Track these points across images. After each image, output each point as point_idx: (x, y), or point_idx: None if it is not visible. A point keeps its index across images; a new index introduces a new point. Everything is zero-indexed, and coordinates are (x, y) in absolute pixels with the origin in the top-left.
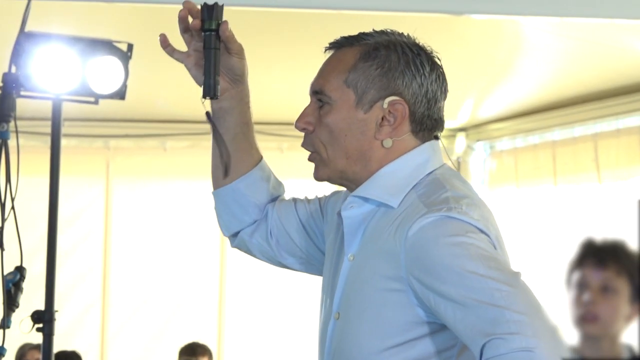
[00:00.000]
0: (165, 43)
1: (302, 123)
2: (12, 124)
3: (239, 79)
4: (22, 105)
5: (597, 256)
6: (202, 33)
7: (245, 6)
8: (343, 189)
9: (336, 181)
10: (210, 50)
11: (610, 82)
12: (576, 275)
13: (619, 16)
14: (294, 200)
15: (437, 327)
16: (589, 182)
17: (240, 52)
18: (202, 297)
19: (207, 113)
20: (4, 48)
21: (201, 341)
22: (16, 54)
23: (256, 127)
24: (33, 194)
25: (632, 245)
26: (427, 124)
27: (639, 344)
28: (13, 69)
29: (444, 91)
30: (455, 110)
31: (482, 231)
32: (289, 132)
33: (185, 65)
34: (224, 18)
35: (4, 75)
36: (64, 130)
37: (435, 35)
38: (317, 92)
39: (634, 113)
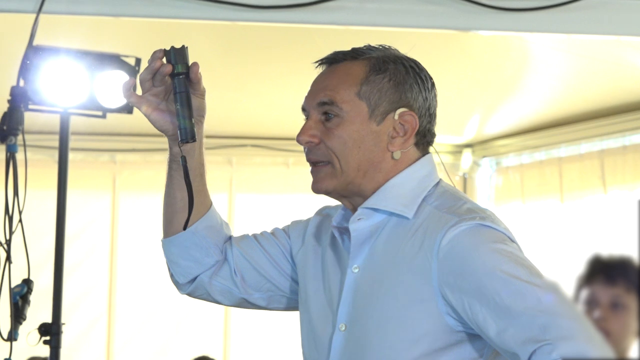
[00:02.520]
0: (128, 92)
1: (306, 136)
2: (20, 137)
3: (202, 119)
4: (30, 119)
5: (606, 273)
6: (172, 77)
7: (252, 22)
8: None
9: (339, 193)
10: (183, 93)
11: (617, 99)
12: (585, 292)
13: (625, 33)
14: (253, 235)
15: (465, 337)
16: (595, 199)
17: (204, 93)
18: (208, 311)
19: (183, 157)
20: (12, 62)
21: (207, 354)
22: (24, 68)
23: (263, 143)
24: (40, 207)
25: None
26: (428, 138)
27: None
28: (21, 83)
29: (436, 105)
30: (461, 126)
31: (513, 240)
32: (296, 147)
33: (144, 111)
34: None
35: (12, 89)
36: (70, 144)
37: (442, 52)
38: (326, 103)
39: None
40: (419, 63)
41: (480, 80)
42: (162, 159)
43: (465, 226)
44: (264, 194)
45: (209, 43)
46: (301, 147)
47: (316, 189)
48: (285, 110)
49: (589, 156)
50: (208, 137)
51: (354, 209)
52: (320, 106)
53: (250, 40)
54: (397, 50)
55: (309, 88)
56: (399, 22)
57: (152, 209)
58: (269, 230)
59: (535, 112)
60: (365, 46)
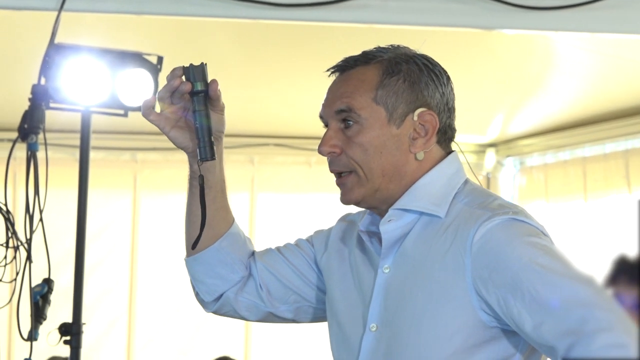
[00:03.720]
0: (147, 110)
1: (327, 147)
2: (41, 136)
3: (221, 135)
4: (51, 117)
5: (631, 274)
6: (191, 95)
7: (275, 20)
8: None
9: (368, 201)
10: (202, 111)
11: None
12: (610, 293)
13: None
14: (276, 248)
15: (499, 333)
16: (620, 199)
17: (223, 109)
18: None
19: (201, 176)
20: (33, 60)
21: (229, 355)
22: (46, 66)
23: (284, 142)
24: (61, 206)
25: None
26: (449, 134)
27: None
28: (42, 81)
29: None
30: (485, 126)
31: (546, 234)
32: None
33: (163, 129)
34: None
35: (34, 87)
36: (91, 142)
37: (466, 50)
38: (344, 110)
39: None
40: (432, 59)
41: (505, 80)
42: (183, 158)
43: (498, 220)
44: (285, 193)
45: (231, 41)
46: None
47: (345, 200)
48: (307, 109)
49: (614, 156)
50: (229, 135)
51: (382, 214)
52: (338, 114)
53: (273, 38)
54: (408, 49)
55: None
56: (422, 21)
57: (173, 207)
58: (292, 242)
59: (560, 112)
60: (375, 48)
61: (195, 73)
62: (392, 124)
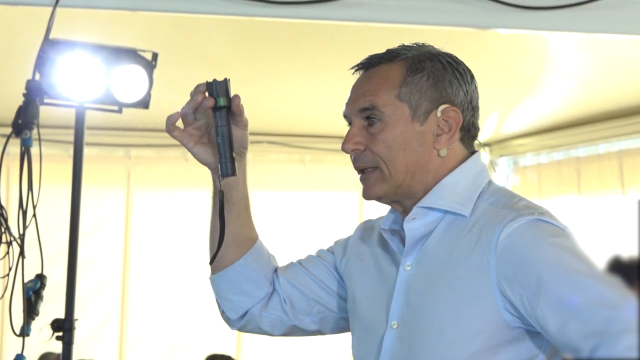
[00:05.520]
0: (171, 126)
1: (351, 144)
2: (35, 131)
3: (244, 151)
4: (45, 113)
5: (625, 275)
6: (214, 111)
7: (270, 17)
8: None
9: (390, 197)
10: (225, 127)
11: (636, 99)
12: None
13: None
14: (298, 262)
15: (523, 334)
16: (613, 200)
17: (247, 125)
18: None
19: (221, 192)
20: (28, 55)
21: (221, 352)
22: (40, 62)
23: (278, 139)
24: (54, 202)
25: None
26: (472, 132)
27: None
28: (37, 77)
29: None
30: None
31: (571, 236)
32: (312, 144)
33: (186, 145)
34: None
35: (28, 82)
36: (85, 138)
37: (460, 49)
38: (368, 108)
39: None
40: (456, 57)
41: (499, 79)
42: (177, 155)
43: (524, 221)
44: (279, 191)
45: (225, 38)
46: (317, 145)
47: (367, 195)
48: (301, 107)
49: (608, 156)
50: None
51: (405, 212)
52: (362, 112)
53: (268, 36)
54: (433, 47)
55: (325, 85)
56: (418, 20)
57: (167, 204)
58: (314, 253)
59: (554, 112)
60: (399, 46)
61: (218, 88)
62: (415, 121)
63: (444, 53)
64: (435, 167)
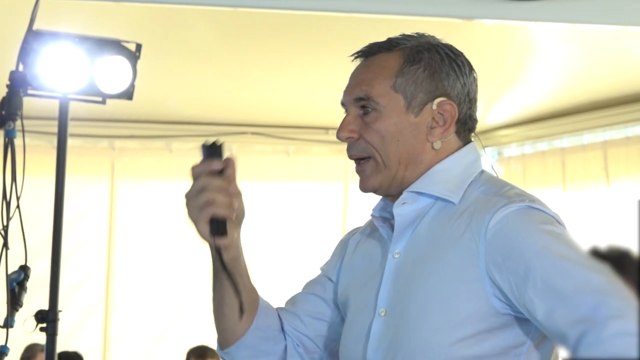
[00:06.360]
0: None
1: (345, 132)
2: (18, 122)
3: (241, 220)
4: (29, 104)
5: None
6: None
7: (253, 8)
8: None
9: (385, 189)
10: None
11: (620, 90)
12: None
13: (630, 23)
14: (292, 299)
15: (511, 320)
16: (598, 190)
17: (239, 194)
18: (205, 300)
19: (224, 264)
20: (12, 46)
21: (206, 344)
22: (24, 53)
23: (263, 130)
24: (38, 194)
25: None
26: (469, 124)
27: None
28: (20, 68)
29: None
30: None
31: (562, 224)
32: (296, 135)
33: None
34: None
35: (12, 73)
36: (69, 130)
37: (445, 40)
38: (362, 98)
39: None
40: (455, 49)
41: (483, 70)
42: (161, 146)
43: (514, 207)
44: (264, 182)
45: (209, 29)
46: (302, 136)
47: (363, 187)
48: (285, 98)
49: (592, 147)
50: (207, 124)
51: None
52: (357, 101)
53: (251, 27)
54: (434, 37)
55: (310, 76)
56: (402, 10)
57: (151, 195)
58: (303, 288)
59: (538, 103)
60: (400, 35)
61: (212, 151)
62: (410, 112)
63: (443, 44)
64: (429, 159)
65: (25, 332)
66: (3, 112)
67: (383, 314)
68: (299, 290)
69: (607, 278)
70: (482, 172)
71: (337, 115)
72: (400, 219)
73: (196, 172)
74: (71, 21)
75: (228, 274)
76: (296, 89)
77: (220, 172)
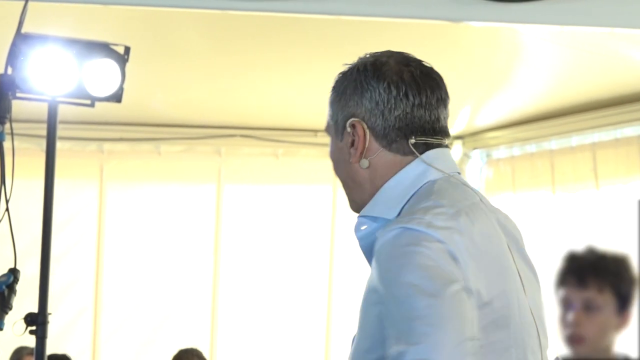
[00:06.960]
0: None
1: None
2: (7, 125)
3: None
4: (18, 107)
5: (578, 275)
6: None
7: (242, 11)
8: None
9: (360, 211)
10: None
11: (609, 92)
12: (560, 293)
13: (618, 25)
14: None
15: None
16: (587, 192)
17: None
18: (195, 302)
19: None
20: (0, 49)
21: (194, 346)
22: (12, 56)
23: (252, 133)
24: (27, 197)
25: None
26: (392, 135)
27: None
28: (9, 71)
29: (404, 97)
30: (452, 118)
31: (438, 240)
32: (285, 137)
33: None
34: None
35: (0, 76)
36: (58, 132)
37: (433, 43)
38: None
39: (633, 123)
40: (371, 61)
41: (471, 72)
42: (150, 149)
43: (393, 232)
44: (252, 184)
45: (198, 32)
46: (291, 138)
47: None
48: (274, 100)
49: (581, 149)
50: (196, 126)
51: None
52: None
53: (240, 29)
54: (369, 56)
55: (298, 79)
56: (390, 12)
57: (140, 198)
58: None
59: (527, 104)
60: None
61: None
62: (338, 138)
63: (361, 61)
64: (366, 178)
65: (15, 334)
66: None
67: (353, 340)
68: (289, 291)
69: (435, 301)
70: (430, 182)
71: (325, 117)
72: (361, 243)
73: None
74: (60, 24)
75: None
76: (285, 91)
77: None
